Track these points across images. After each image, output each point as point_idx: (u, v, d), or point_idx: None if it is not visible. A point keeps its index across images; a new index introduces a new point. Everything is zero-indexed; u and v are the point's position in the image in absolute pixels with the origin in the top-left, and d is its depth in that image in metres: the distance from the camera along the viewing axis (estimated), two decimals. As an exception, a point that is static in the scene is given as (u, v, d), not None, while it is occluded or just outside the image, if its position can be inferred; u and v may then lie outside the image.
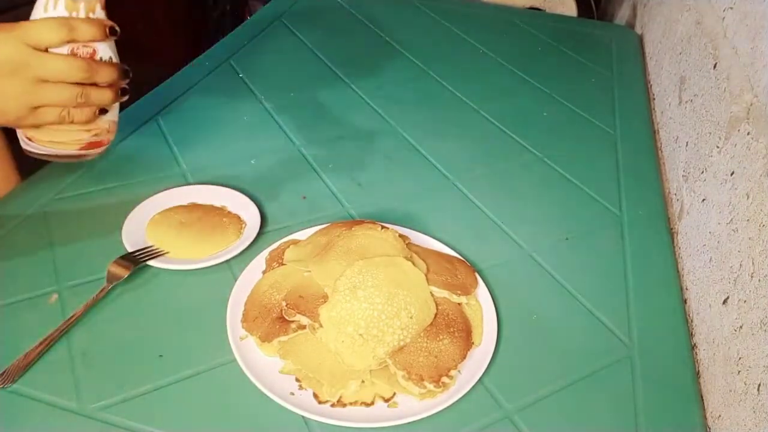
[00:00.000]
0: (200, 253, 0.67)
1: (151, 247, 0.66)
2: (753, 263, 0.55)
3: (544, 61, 1.17)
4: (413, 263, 0.61)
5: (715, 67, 0.78)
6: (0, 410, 0.52)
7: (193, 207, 0.73)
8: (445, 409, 0.53)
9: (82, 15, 0.54)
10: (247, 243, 0.68)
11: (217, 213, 0.72)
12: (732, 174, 0.65)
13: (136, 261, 0.64)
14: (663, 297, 0.68)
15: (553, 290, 0.68)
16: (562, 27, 1.30)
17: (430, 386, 0.53)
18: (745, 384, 0.52)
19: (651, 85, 1.11)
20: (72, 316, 0.58)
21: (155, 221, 0.70)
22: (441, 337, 0.57)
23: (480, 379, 0.56)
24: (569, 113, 1.01)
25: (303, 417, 0.52)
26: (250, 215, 0.72)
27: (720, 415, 0.55)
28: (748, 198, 0.60)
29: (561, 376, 0.59)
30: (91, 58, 0.54)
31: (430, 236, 0.70)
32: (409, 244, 0.65)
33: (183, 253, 0.67)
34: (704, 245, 0.68)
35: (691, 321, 0.67)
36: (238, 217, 0.72)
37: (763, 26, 0.65)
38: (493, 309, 0.62)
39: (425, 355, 0.55)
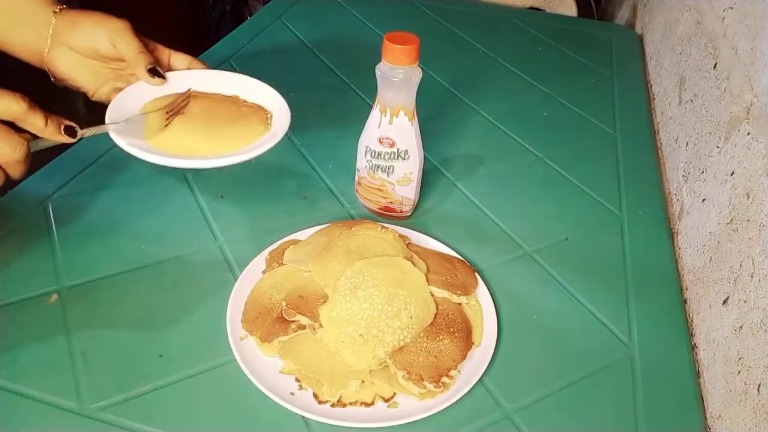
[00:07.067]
0: (226, 148, 0.50)
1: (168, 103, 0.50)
2: (753, 263, 0.55)
3: (544, 61, 1.17)
4: (413, 263, 0.61)
5: (715, 67, 0.78)
6: (0, 410, 0.52)
7: (194, 96, 0.59)
8: (445, 409, 0.53)
9: None
10: (281, 135, 0.54)
11: (231, 102, 0.57)
12: (732, 174, 0.65)
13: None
14: (663, 297, 0.68)
15: (553, 290, 0.68)
16: (562, 27, 1.30)
17: (430, 386, 0.53)
18: (745, 384, 0.52)
19: (651, 85, 1.11)
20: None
21: (148, 109, 0.54)
22: (441, 337, 0.57)
23: (480, 379, 0.56)
24: (569, 113, 1.01)
25: (303, 417, 0.52)
26: (275, 104, 0.57)
27: (720, 415, 0.55)
28: (748, 198, 0.60)
29: (561, 376, 0.59)
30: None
31: (430, 236, 0.70)
32: (409, 244, 0.65)
33: (203, 148, 0.50)
34: (704, 245, 0.68)
35: (691, 321, 0.67)
36: (259, 106, 0.57)
37: (763, 26, 0.65)
38: (493, 309, 0.62)
39: (425, 355, 0.55)
